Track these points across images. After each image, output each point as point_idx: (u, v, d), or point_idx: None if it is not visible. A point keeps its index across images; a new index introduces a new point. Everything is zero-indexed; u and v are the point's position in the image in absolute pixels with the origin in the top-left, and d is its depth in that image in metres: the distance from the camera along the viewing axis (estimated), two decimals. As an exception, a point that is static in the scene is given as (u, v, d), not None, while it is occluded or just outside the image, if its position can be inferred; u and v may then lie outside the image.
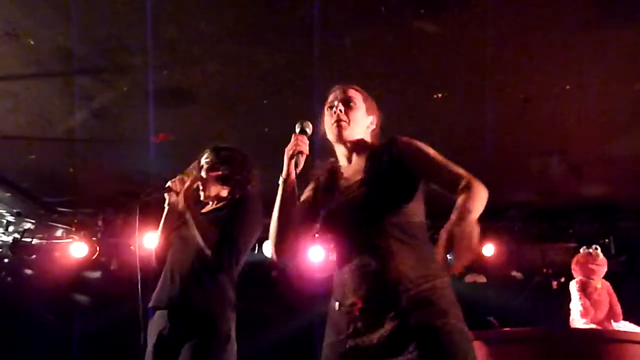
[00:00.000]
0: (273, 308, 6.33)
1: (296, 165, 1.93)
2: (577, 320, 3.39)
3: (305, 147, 1.94)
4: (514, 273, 6.06)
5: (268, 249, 2.04)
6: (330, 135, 2.05)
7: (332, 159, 2.11)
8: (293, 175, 1.94)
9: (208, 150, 2.82)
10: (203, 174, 2.77)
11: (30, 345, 6.17)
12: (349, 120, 2.01)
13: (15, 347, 6.20)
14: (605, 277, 3.58)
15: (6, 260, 6.59)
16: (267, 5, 3.03)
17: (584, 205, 5.32)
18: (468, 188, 1.68)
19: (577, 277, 3.56)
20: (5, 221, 6.38)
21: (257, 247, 6.14)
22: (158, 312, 2.59)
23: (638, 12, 2.89)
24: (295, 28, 3.18)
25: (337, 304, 1.86)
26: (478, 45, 3.26)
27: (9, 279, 6.71)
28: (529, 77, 3.55)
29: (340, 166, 2.07)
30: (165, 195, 2.71)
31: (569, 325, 3.44)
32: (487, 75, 3.53)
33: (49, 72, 3.69)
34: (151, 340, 2.53)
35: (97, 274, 6.57)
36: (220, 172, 2.77)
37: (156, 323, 2.56)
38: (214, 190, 2.77)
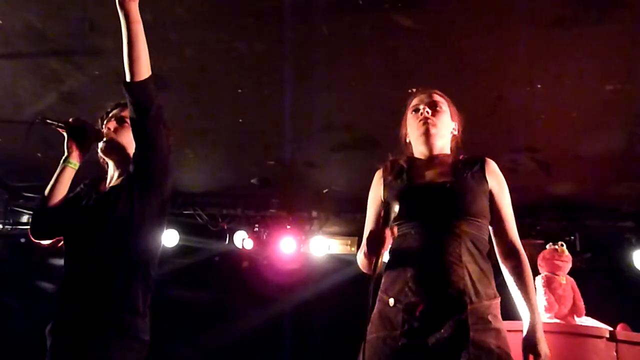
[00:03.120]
0: (243, 299, 6.31)
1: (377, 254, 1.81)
2: (542, 314, 3.45)
3: (387, 240, 1.81)
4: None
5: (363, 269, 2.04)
6: (416, 134, 2.05)
7: (404, 158, 2.09)
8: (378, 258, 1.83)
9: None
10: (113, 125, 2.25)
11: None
12: (436, 123, 2.03)
13: (-24, 334, 6.06)
14: (570, 273, 3.65)
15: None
16: (245, -7, 3.01)
17: (552, 203, 5.42)
18: (521, 265, 1.92)
19: (543, 272, 3.62)
20: (-32, 206, 6.21)
21: (227, 238, 6.12)
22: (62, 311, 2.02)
23: (610, 10, 2.94)
24: (273, 16, 3.16)
25: (392, 300, 1.84)
26: (453, 41, 3.28)
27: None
28: (502, 75, 3.59)
29: (418, 164, 2.05)
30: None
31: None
32: (461, 71, 3.55)
33: (17, 53, 3.59)
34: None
35: (63, 261, 6.45)
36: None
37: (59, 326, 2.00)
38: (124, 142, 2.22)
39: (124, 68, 1.99)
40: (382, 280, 1.96)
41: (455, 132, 2.12)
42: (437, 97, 2.09)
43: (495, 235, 1.98)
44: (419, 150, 2.08)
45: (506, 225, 1.97)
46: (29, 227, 2.23)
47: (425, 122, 2.02)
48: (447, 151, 2.09)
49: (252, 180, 5.40)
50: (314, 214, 6.17)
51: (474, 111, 4.08)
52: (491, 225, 1.97)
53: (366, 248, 1.86)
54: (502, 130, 4.21)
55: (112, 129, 2.24)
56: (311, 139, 4.59)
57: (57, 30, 3.37)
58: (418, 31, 3.19)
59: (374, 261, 1.80)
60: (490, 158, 2.04)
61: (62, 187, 2.21)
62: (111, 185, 2.21)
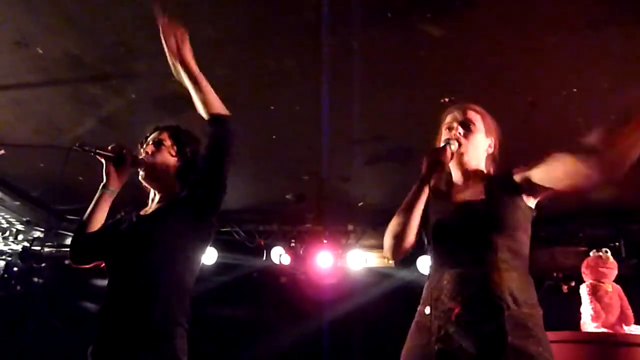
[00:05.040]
0: (282, 314, 6.32)
1: (432, 172, 1.89)
2: (588, 324, 3.36)
3: (447, 160, 1.91)
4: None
5: (387, 247, 1.99)
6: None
7: (444, 180, 2.10)
8: (429, 180, 1.90)
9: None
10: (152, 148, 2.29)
11: (39, 354, 6.19)
12: (468, 145, 2.01)
13: (23, 356, 6.21)
14: (616, 281, 3.55)
15: (15, 268, 6.62)
16: (274, 10, 3.05)
17: (594, 209, 5.28)
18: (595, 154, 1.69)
19: (588, 280, 3.54)
20: (14, 229, 6.41)
21: (265, 254, 6.15)
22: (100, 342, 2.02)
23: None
24: (302, 32, 3.19)
25: (428, 308, 1.85)
26: (484, 48, 3.25)
27: (19, 287, 6.74)
28: (535, 80, 3.54)
29: (454, 185, 2.08)
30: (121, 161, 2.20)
31: (580, 329, 3.41)
32: (493, 78, 3.52)
33: (57, 80, 3.71)
34: None
35: (106, 282, 6.58)
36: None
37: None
38: (162, 164, 2.26)
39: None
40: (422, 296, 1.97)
41: (491, 150, 2.09)
42: (470, 114, 2.06)
43: (567, 168, 1.85)
44: (455, 171, 2.09)
45: (559, 157, 1.86)
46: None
47: (457, 142, 2.01)
48: (483, 169, 2.07)
49: (287, 196, 5.43)
50: (350, 227, 6.16)
51: (509, 118, 4.04)
52: (557, 180, 1.86)
53: (425, 162, 1.88)
54: (538, 136, 4.13)
55: (149, 153, 2.26)
56: (345, 152, 4.60)
57: (93, 57, 3.47)
58: (448, 40, 3.17)
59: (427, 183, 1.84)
60: (528, 164, 2.02)
61: (100, 213, 2.22)
62: (154, 209, 2.22)
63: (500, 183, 1.96)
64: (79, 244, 2.22)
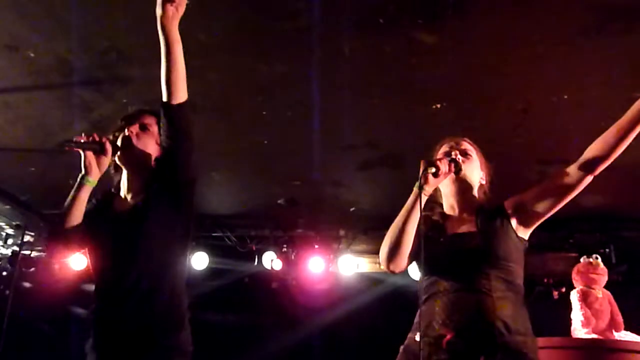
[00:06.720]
0: (273, 319, 6.31)
1: (424, 178, 1.89)
2: (579, 330, 3.37)
3: (444, 169, 1.92)
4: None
5: (383, 258, 1.98)
6: (446, 180, 2.06)
7: (437, 212, 2.11)
8: (427, 188, 1.91)
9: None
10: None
11: (28, 359, 6.13)
12: (466, 168, 2.03)
13: (13, 361, 6.16)
14: (606, 287, 3.57)
15: (5, 273, 6.57)
16: (266, 16, 3.05)
17: (585, 215, 5.30)
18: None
19: (578, 286, 3.55)
20: (4, 234, 6.37)
21: (256, 259, 6.13)
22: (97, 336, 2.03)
23: (637, 20, 2.90)
24: (294, 38, 3.19)
25: (418, 334, 1.84)
26: (476, 55, 3.27)
27: (7, 291, 6.68)
28: (527, 87, 3.56)
29: (447, 216, 2.09)
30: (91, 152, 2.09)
31: (571, 335, 3.42)
32: (484, 85, 3.53)
33: (48, 84, 3.70)
34: None
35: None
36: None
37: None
38: (142, 147, 2.13)
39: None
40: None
41: (483, 182, 2.13)
42: (466, 145, 2.11)
43: (567, 179, 2.00)
44: (448, 202, 2.10)
45: (557, 173, 1.98)
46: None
47: (456, 165, 2.02)
48: (475, 200, 2.09)
49: (279, 201, 5.43)
50: (342, 232, 6.16)
51: (501, 125, 4.07)
52: (551, 195, 1.97)
53: (421, 167, 1.89)
54: (530, 142, 4.16)
55: (134, 133, 2.14)
56: (337, 157, 4.60)
57: (85, 61, 3.46)
58: (440, 47, 3.18)
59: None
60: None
61: (80, 206, 2.13)
62: (134, 202, 2.13)
63: (492, 215, 1.98)
64: (61, 237, 2.14)
